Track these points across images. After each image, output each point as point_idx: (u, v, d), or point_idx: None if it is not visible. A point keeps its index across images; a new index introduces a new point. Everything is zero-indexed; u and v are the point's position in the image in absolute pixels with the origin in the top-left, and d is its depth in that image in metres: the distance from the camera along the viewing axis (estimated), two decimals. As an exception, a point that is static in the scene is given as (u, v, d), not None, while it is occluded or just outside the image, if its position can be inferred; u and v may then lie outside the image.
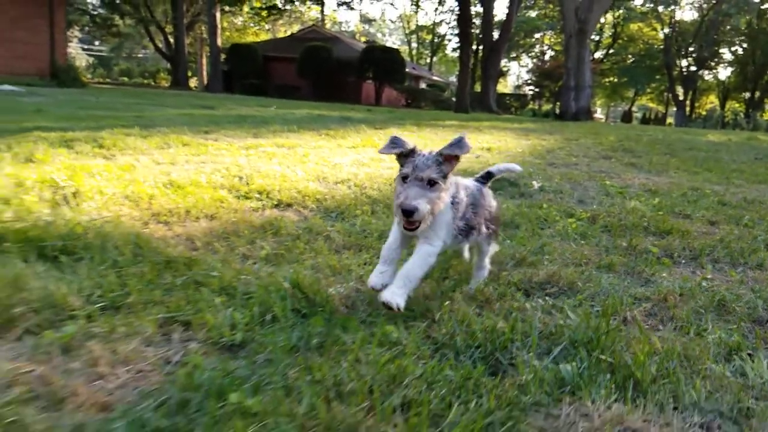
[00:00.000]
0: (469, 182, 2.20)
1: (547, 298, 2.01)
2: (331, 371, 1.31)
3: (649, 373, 1.39)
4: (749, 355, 1.62)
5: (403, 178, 1.82)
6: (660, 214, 3.52)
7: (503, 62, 42.95)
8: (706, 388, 1.38)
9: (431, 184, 1.79)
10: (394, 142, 1.87)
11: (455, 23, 46.19)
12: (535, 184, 4.31)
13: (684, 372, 1.45)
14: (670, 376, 1.41)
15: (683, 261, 2.64)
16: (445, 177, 1.82)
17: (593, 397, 1.29)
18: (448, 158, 1.83)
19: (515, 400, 1.24)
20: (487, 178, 2.34)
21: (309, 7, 52.80)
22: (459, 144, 1.82)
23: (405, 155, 1.85)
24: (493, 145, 7.61)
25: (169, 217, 2.86)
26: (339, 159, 5.37)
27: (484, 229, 2.15)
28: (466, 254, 2.50)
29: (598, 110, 59.57)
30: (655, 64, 47.02)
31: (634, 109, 55.64)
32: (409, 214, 1.74)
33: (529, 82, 50.21)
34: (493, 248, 2.31)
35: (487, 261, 2.25)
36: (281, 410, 1.13)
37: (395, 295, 1.73)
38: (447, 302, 1.89)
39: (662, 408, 1.28)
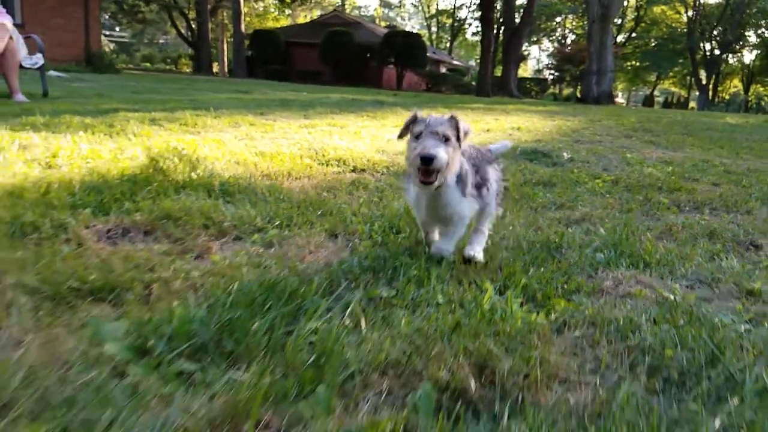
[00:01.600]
0: (465, 145, 2.16)
1: (582, 225, 2.75)
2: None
3: (654, 258, 2.14)
4: (725, 257, 2.35)
5: (416, 137, 1.85)
6: (672, 178, 4.22)
7: (524, 46, 43.13)
8: (692, 268, 2.13)
9: (446, 139, 1.81)
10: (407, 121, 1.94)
11: (476, 7, 46.41)
12: (565, 156, 5.03)
13: (678, 261, 2.19)
14: (668, 263, 2.15)
15: (687, 209, 3.36)
16: (458, 138, 1.86)
17: (619, 269, 2.04)
18: (456, 128, 1.86)
19: (569, 269, 2.00)
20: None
21: None
22: (467, 127, 1.90)
23: (413, 121, 1.90)
24: (522, 125, 8.32)
25: (277, 177, 3.63)
26: (389, 135, 6.12)
27: (489, 186, 2.18)
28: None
29: (620, 94, 59.43)
30: (678, 48, 46.82)
31: (656, 93, 55.45)
32: (428, 161, 1.74)
33: (549, 66, 50.28)
34: (498, 211, 2.33)
35: (486, 225, 2.26)
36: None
37: (473, 252, 1.98)
38: (510, 227, 2.63)
39: (662, 276, 2.02)
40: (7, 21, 7.69)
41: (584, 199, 3.39)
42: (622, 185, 3.93)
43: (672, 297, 1.70)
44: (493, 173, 2.24)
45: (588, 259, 2.12)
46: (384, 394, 1.09)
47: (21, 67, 7.96)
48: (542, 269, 1.93)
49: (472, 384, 1.10)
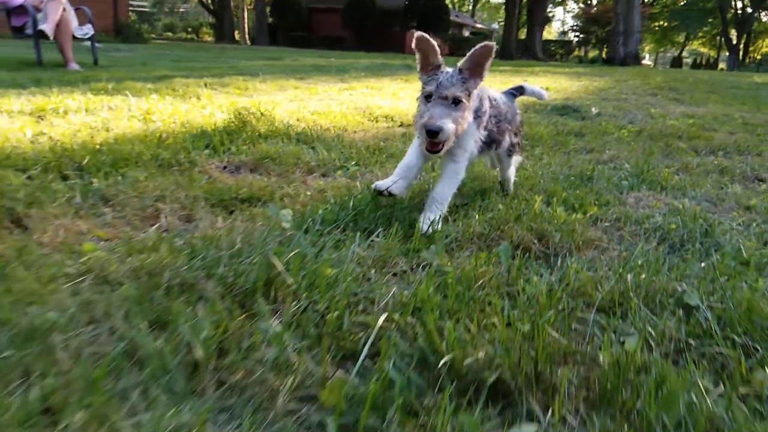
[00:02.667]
0: (496, 93, 2.22)
1: (610, 164, 3.22)
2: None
3: (670, 184, 2.61)
4: (731, 185, 2.81)
5: (426, 97, 1.79)
6: (692, 129, 4.62)
7: (549, 8, 42.49)
8: (701, 192, 2.59)
9: (456, 102, 1.75)
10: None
11: (499, -31, 45.59)
12: (594, 110, 5.43)
13: (690, 187, 2.66)
14: (681, 188, 2.62)
15: (704, 152, 3.79)
16: (469, 94, 1.79)
17: (641, 191, 2.52)
18: (473, 72, 1.79)
19: (600, 191, 2.48)
20: (518, 91, 2.45)
21: None
22: (481, 48, 1.77)
23: (429, 71, 1.82)
24: (550, 85, 8.66)
25: (337, 130, 4.13)
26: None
27: (505, 143, 2.20)
28: (488, 164, 2.65)
29: (647, 56, 58.22)
30: (708, 6, 45.57)
31: (684, 54, 54.23)
32: (433, 135, 1.70)
33: (574, 28, 49.44)
34: (516, 160, 2.37)
35: (510, 173, 2.32)
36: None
37: (427, 226, 1.74)
38: (548, 166, 3.11)
39: (675, 196, 2.50)
40: (62, -7, 8.21)
41: (611, 145, 3.84)
42: (646, 134, 4.35)
43: (681, 206, 2.18)
44: (515, 125, 2.27)
45: (615, 184, 2.60)
46: (475, 249, 1.61)
47: (73, 37, 8.47)
48: (578, 191, 2.42)
49: (536, 245, 1.61)
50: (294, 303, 1.14)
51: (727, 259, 1.53)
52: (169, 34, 58.60)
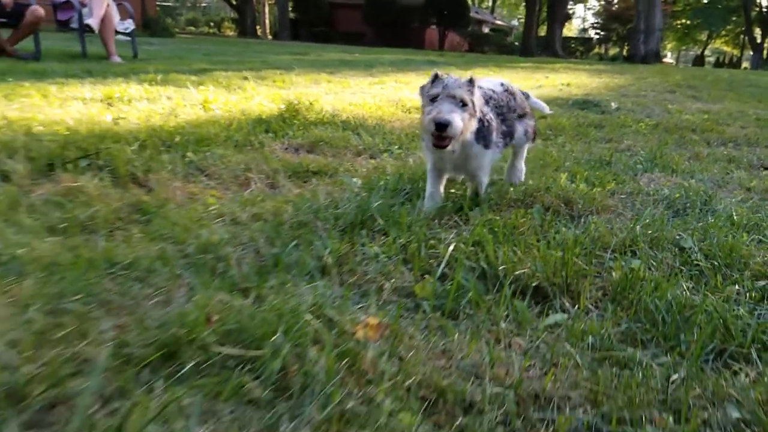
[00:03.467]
0: (495, 85, 2.20)
1: (627, 153, 3.56)
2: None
3: (680, 168, 2.96)
4: (737, 171, 3.14)
5: (432, 99, 1.80)
6: (706, 123, 4.92)
7: (569, 5, 42.45)
8: (708, 175, 2.93)
9: (463, 104, 1.77)
10: (422, 89, 1.93)
11: (520, -35, 45.58)
12: (613, 105, 5.76)
13: (699, 171, 3.00)
14: (690, 172, 2.96)
15: (715, 144, 4.10)
16: (474, 104, 1.82)
17: (654, 173, 2.87)
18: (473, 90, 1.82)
19: (617, 172, 2.83)
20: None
21: None
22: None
23: (431, 81, 1.86)
24: (571, 82, 8.97)
25: (375, 120, 4.51)
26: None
27: (519, 130, 2.21)
28: None
29: (669, 54, 57.79)
30: (732, 5, 45.12)
31: (706, 53, 53.73)
32: (442, 128, 1.69)
33: (595, 25, 49.28)
34: (529, 146, 2.42)
35: (521, 162, 2.35)
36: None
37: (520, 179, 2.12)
38: (571, 153, 3.46)
39: (684, 178, 2.84)
40: (106, -10, 8.68)
41: (629, 136, 4.17)
42: (662, 128, 4.67)
43: (687, 184, 2.53)
44: (524, 107, 2.27)
45: (630, 167, 2.95)
46: (512, 208, 1.98)
47: (115, 31, 8.93)
48: (597, 172, 2.77)
49: (563, 208, 1.99)
50: (383, 237, 1.53)
51: (720, 220, 1.89)
52: (192, 28, 59.26)
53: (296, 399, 0.84)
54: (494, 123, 1.98)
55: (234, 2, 46.25)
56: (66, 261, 1.25)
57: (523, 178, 2.36)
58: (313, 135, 3.37)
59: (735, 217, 1.93)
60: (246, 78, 6.92)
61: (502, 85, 2.23)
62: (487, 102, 1.99)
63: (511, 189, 2.21)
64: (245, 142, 2.99)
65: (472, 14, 37.97)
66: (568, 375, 0.95)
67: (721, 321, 1.11)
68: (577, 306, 1.26)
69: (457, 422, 0.83)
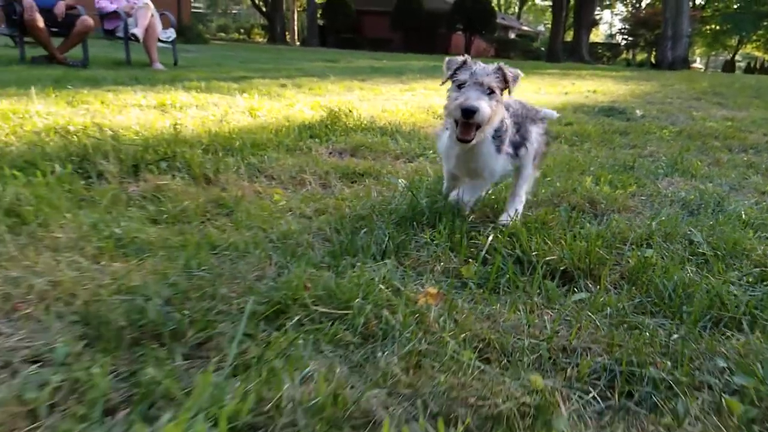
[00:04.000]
0: (512, 101, 2.12)
1: (649, 158, 3.76)
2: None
3: (699, 173, 3.16)
4: (754, 176, 3.32)
5: (459, 86, 1.76)
6: (729, 130, 5.08)
7: (596, 11, 42.29)
8: (726, 180, 3.12)
9: (491, 92, 1.73)
10: (449, 63, 1.86)
11: (547, -29, 45.54)
12: (638, 113, 5.94)
13: (717, 176, 3.19)
14: (709, 176, 3.16)
15: (736, 150, 4.27)
16: (502, 92, 1.78)
17: (673, 178, 3.08)
18: (503, 78, 1.78)
19: (639, 177, 3.05)
20: None
21: None
22: (515, 73, 1.82)
23: (459, 67, 1.81)
24: (598, 88, 9.13)
25: (409, 126, 4.77)
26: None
27: (530, 147, 2.10)
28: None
29: (698, 60, 57.04)
30: (763, 10, 44.38)
31: (737, 58, 52.91)
32: (469, 114, 1.65)
33: (622, 30, 48.91)
34: (535, 174, 2.28)
35: (524, 189, 2.19)
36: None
37: (510, 218, 1.92)
38: (596, 158, 3.67)
39: (703, 182, 3.04)
40: (149, 1, 9.13)
41: (652, 143, 4.37)
42: (685, 134, 4.85)
43: (704, 188, 2.74)
44: (536, 133, 2.16)
45: (651, 172, 3.16)
46: (542, 207, 2.22)
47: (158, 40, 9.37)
48: (620, 176, 3.00)
49: (587, 207, 2.23)
50: (431, 229, 1.79)
51: (730, 218, 2.11)
52: (222, 34, 60.35)
53: (380, 342, 1.10)
54: (510, 129, 1.94)
55: (264, 9, 47.20)
56: (177, 244, 1.54)
57: (519, 211, 2.06)
58: (354, 140, 3.65)
59: (744, 216, 2.15)
60: (284, 85, 7.25)
61: (519, 102, 2.20)
62: (506, 109, 1.94)
63: (542, 190, 2.46)
64: (294, 146, 3.28)
65: (499, 20, 38.08)
66: (590, 333, 1.20)
67: (718, 297, 1.34)
68: (598, 286, 1.50)
69: (503, 362, 1.08)
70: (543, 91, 8.57)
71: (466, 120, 1.67)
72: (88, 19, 8.50)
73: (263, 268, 1.44)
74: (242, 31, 63.81)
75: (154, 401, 0.90)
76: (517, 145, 2.02)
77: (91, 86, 5.56)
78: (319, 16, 38.38)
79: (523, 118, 2.09)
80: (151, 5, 9.19)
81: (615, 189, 2.59)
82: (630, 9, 51.80)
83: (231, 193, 2.14)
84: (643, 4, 50.68)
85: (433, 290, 1.33)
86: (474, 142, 1.74)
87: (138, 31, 8.80)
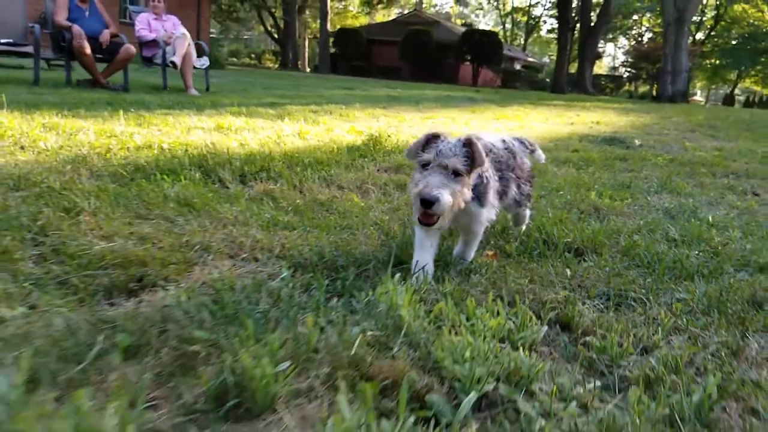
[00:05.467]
0: (496, 140, 2.11)
1: (644, 180, 4.45)
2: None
3: (684, 191, 3.85)
4: (731, 196, 4.01)
5: (423, 166, 1.72)
6: (716, 159, 5.79)
7: (599, 44, 43.57)
8: (706, 197, 3.81)
9: (456, 174, 1.67)
10: (415, 143, 1.80)
11: (551, 5, 46.99)
12: (637, 142, 6.66)
13: (698, 194, 3.88)
14: (691, 195, 3.85)
15: (719, 176, 4.96)
16: (470, 171, 1.70)
17: (662, 194, 3.77)
18: (474, 157, 1.69)
19: (634, 192, 3.74)
20: (530, 146, 2.40)
21: None
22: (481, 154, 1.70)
23: (425, 144, 1.76)
24: (601, 120, 9.90)
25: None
26: (496, 125, 7.90)
27: (511, 192, 2.09)
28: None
29: (698, 93, 58.21)
30: (761, 47, 45.69)
31: (737, 92, 54.07)
32: (428, 205, 1.61)
33: (625, 63, 50.17)
34: (526, 215, 2.37)
35: (522, 229, 2.41)
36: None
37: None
38: (599, 179, 4.37)
39: (685, 198, 3.73)
40: (186, 31, 9.97)
41: (647, 168, 5.07)
42: (677, 162, 5.56)
43: (685, 201, 3.44)
44: (523, 171, 2.19)
45: (644, 190, 3.86)
46: (558, 210, 2.92)
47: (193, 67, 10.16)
48: (619, 192, 3.69)
49: (593, 212, 2.92)
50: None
51: (700, 221, 2.80)
52: (234, 59, 61.79)
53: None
54: (492, 181, 1.90)
55: (276, 36, 48.72)
56: (311, 224, 2.24)
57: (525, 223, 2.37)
58: (396, 160, 4.35)
59: (711, 220, 2.84)
60: (315, 111, 8.01)
61: (503, 141, 2.16)
62: (486, 154, 1.82)
63: (555, 200, 3.15)
64: (349, 164, 3.99)
65: (505, 51, 39.23)
66: (596, 277, 1.88)
67: (680, 261, 2.02)
68: (600, 258, 2.18)
69: (539, 296, 1.77)
70: (550, 121, 9.33)
71: (426, 210, 1.64)
72: (131, 47, 9.29)
73: (369, 239, 2.13)
74: (253, 56, 65.51)
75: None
76: (502, 193, 2.02)
77: (145, 109, 6.26)
78: (331, 44, 39.64)
79: (507, 163, 2.07)
80: (188, 35, 10.00)
81: (614, 201, 3.29)
82: (632, 42, 53.21)
83: (322, 196, 2.84)
84: (645, 38, 52.06)
85: (490, 252, 2.02)
86: (437, 226, 1.71)
87: (177, 59, 9.58)
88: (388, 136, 5.13)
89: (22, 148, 3.47)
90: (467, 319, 1.37)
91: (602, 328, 1.43)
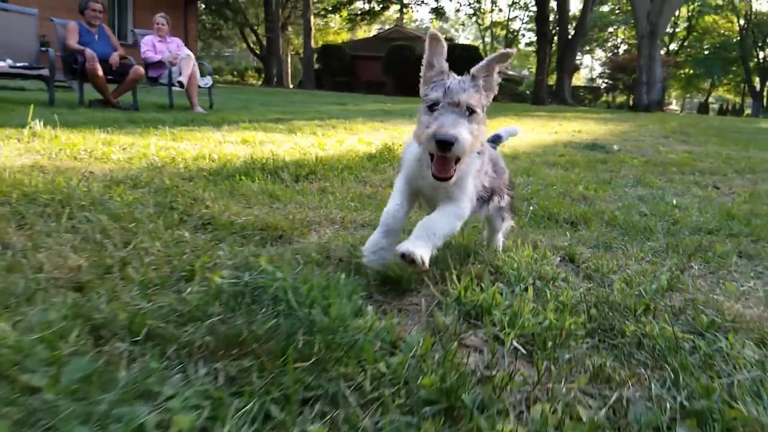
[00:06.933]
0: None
1: (622, 178, 5.19)
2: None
3: (655, 185, 4.60)
4: (695, 188, 4.76)
5: (430, 107, 1.50)
6: (685, 160, 6.58)
7: (577, 57, 44.99)
8: (674, 189, 4.56)
9: (470, 112, 1.46)
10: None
11: (529, 20, 48.41)
12: (615, 147, 7.45)
13: (668, 187, 4.63)
14: (662, 188, 4.60)
15: (686, 173, 5.73)
16: (483, 107, 1.52)
17: (637, 188, 4.52)
18: (486, 84, 1.55)
19: (614, 187, 4.48)
20: (496, 141, 2.26)
21: (408, 10, 55.73)
22: (500, 56, 1.56)
23: (433, 75, 1.58)
24: (582, 129, 10.73)
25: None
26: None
27: (494, 200, 1.95)
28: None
29: (674, 102, 60.03)
30: (731, 56, 47.51)
31: (710, 100, 55.92)
32: (446, 147, 1.38)
33: (602, 74, 51.72)
34: (507, 224, 2.18)
35: (498, 239, 2.21)
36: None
37: (417, 247, 1.48)
38: (584, 178, 5.11)
39: (656, 190, 4.47)
40: (190, 52, 10.58)
41: (625, 168, 5.82)
42: (651, 163, 6.32)
43: (655, 191, 4.18)
44: (504, 180, 2.07)
45: (623, 185, 4.59)
46: (554, 198, 3.63)
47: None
48: (602, 186, 4.41)
49: (582, 199, 3.64)
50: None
51: (667, 204, 3.53)
52: (217, 77, 62.09)
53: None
54: (486, 157, 1.77)
55: (258, 53, 49.45)
56: (371, 207, 2.91)
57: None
58: (409, 165, 5.05)
59: (675, 203, 3.57)
60: (320, 126, 8.68)
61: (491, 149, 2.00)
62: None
63: (551, 192, 3.86)
64: (373, 168, 4.68)
65: (486, 65, 40.23)
66: (588, 237, 2.59)
67: (648, 228, 2.74)
68: (590, 227, 2.89)
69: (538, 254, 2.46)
70: (536, 131, 10.11)
71: (443, 153, 1.42)
72: (140, 69, 9.87)
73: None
74: (236, 73, 66.07)
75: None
76: (493, 189, 1.88)
77: (168, 126, 6.82)
78: (315, 60, 40.44)
79: (499, 168, 1.99)
80: (192, 56, 10.60)
81: (598, 192, 4.01)
82: (609, 54, 54.90)
83: (366, 191, 3.52)
84: (621, 50, 53.76)
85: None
86: (454, 179, 1.49)
87: (184, 79, 10.16)
88: (400, 145, 5.82)
89: (97, 159, 4.10)
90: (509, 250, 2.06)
91: (596, 258, 2.13)
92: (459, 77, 1.56)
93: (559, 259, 2.10)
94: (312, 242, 2.07)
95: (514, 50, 1.63)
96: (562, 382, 1.08)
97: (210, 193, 2.78)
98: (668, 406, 1.01)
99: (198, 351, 1.10)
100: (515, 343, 1.25)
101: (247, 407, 0.91)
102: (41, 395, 0.91)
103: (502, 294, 1.56)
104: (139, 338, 1.12)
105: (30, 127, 4.99)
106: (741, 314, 1.53)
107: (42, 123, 5.16)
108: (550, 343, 1.23)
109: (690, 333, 1.38)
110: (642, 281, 1.81)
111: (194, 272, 1.53)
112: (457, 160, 1.47)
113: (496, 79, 1.62)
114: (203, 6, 44.60)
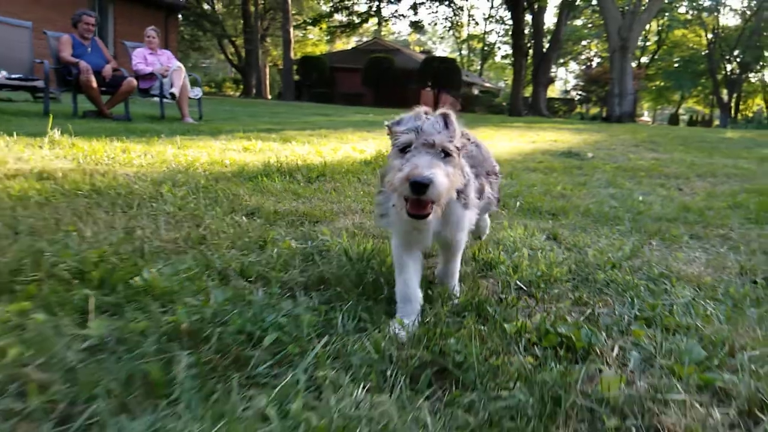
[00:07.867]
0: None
1: (596, 181, 5.74)
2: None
3: (625, 187, 5.16)
4: (661, 189, 5.33)
5: (402, 150, 1.41)
6: (652, 166, 7.17)
7: (551, 69, 46.21)
8: (642, 190, 5.12)
9: (445, 154, 1.39)
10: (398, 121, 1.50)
11: (505, 33, 49.61)
12: (589, 155, 8.04)
13: (636, 189, 5.19)
14: (631, 189, 5.15)
15: (653, 177, 6.31)
16: (459, 149, 1.44)
17: (608, 188, 5.07)
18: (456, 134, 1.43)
19: (589, 188, 5.02)
20: None
21: (387, 23, 56.41)
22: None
23: (399, 122, 1.49)
24: (558, 138, 11.35)
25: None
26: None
27: (486, 193, 1.83)
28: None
29: (646, 113, 61.78)
30: (700, 69, 49.23)
31: (681, 111, 57.69)
32: (421, 189, 1.29)
33: (576, 87, 53.09)
34: (487, 221, 2.33)
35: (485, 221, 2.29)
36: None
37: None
38: (560, 181, 5.65)
39: (627, 191, 5.02)
40: (181, 64, 10.93)
41: (598, 173, 6.38)
42: (621, 168, 6.90)
43: (625, 190, 4.72)
44: (491, 165, 2.03)
45: (596, 186, 5.13)
46: (538, 195, 4.13)
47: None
48: (578, 188, 4.94)
49: (561, 196, 4.16)
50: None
51: (634, 200, 4.06)
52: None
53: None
54: (471, 177, 1.67)
55: (236, 63, 49.73)
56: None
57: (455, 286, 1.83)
58: (404, 170, 5.53)
59: (641, 199, 4.11)
60: (312, 135, 9.12)
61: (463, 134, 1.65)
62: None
63: (534, 189, 4.37)
64: (371, 172, 5.15)
65: (463, 77, 41.19)
66: (567, 224, 3.08)
67: (617, 216, 3.26)
68: (568, 217, 3.39)
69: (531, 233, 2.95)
70: (515, 140, 10.68)
71: (418, 197, 1.33)
72: (132, 80, 10.20)
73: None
74: (213, 84, 66.10)
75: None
76: (481, 190, 1.80)
77: (165, 136, 7.17)
78: (295, 71, 40.81)
79: (480, 159, 1.90)
80: (183, 68, 10.95)
81: (574, 191, 4.53)
82: (582, 67, 56.42)
83: (372, 190, 3.98)
84: (594, 63, 55.30)
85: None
86: (431, 218, 1.41)
87: (175, 91, 10.49)
88: (393, 151, 6.31)
89: (121, 164, 4.50)
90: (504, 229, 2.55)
91: (574, 236, 2.62)
92: (432, 117, 1.47)
93: (544, 237, 2.58)
94: (346, 224, 2.53)
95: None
96: (553, 304, 1.54)
97: (244, 189, 3.22)
98: (626, 316, 1.48)
99: (297, 286, 1.54)
100: (518, 283, 1.72)
101: (347, 311, 1.36)
102: (201, 309, 1.35)
103: (505, 255, 2.04)
104: (252, 278, 1.56)
105: (50, 136, 5.35)
106: (684, 271, 2.02)
107: (60, 132, 5.52)
108: (542, 284, 1.69)
109: (645, 280, 1.87)
110: (610, 250, 2.30)
111: (266, 242, 1.97)
112: (432, 204, 1.37)
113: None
114: (181, 17, 44.78)
